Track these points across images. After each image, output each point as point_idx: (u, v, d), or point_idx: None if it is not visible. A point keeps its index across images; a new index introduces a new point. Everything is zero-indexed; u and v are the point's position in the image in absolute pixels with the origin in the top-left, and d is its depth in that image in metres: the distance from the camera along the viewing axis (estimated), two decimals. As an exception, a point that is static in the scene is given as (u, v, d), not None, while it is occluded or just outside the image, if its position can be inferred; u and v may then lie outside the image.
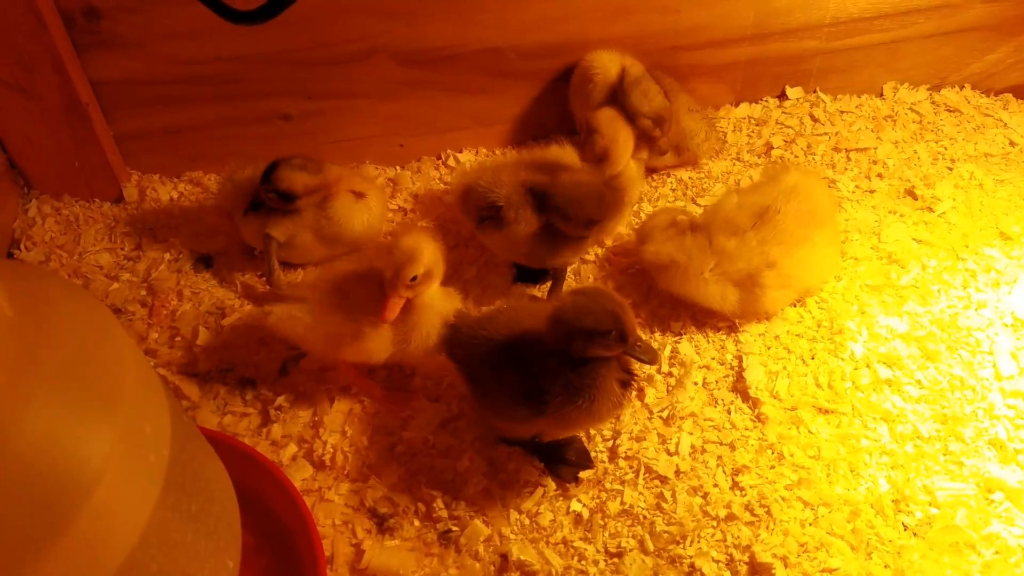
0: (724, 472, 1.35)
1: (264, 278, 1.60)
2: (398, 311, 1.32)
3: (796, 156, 1.86)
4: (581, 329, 1.18)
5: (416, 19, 1.67)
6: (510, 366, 1.26)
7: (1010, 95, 2.01)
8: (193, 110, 1.73)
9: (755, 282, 1.48)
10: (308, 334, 1.37)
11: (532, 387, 1.23)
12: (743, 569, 1.25)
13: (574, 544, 1.28)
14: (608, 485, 1.34)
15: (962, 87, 2.02)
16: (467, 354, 1.31)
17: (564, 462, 1.36)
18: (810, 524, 1.29)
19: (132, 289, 1.63)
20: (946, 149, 1.88)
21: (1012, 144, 1.90)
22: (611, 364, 1.23)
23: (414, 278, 1.29)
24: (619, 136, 1.60)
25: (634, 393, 1.45)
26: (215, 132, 1.77)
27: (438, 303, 1.36)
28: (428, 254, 1.30)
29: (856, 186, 1.80)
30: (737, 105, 1.97)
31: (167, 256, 1.68)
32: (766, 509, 1.30)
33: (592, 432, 1.40)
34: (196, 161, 1.82)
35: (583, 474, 1.35)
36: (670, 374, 1.48)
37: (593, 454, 1.38)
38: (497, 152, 1.88)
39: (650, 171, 1.83)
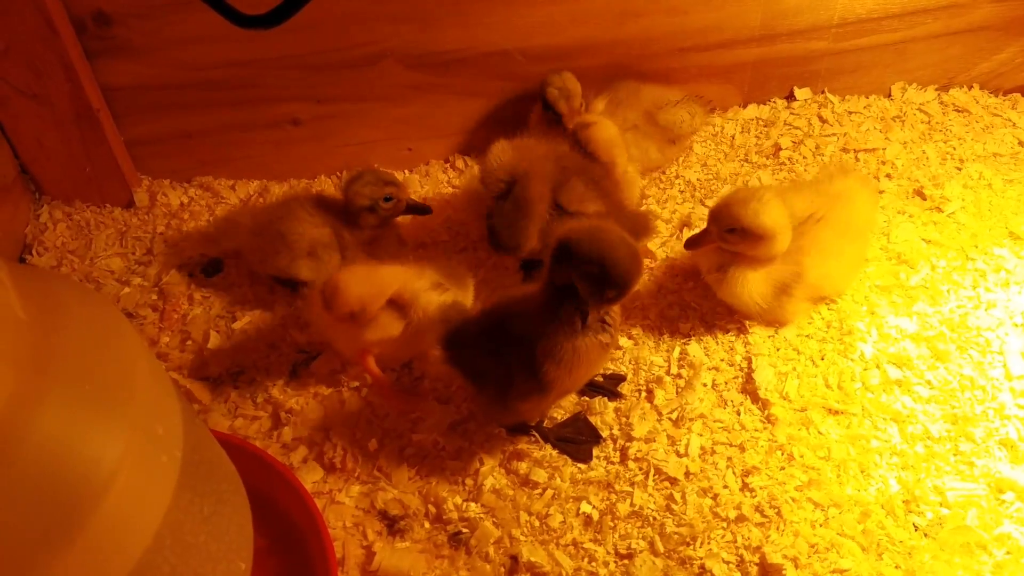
0: (734, 473, 1.35)
1: None
2: (371, 359, 1.43)
3: (804, 157, 1.86)
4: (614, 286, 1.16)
5: (424, 23, 1.67)
6: (505, 344, 1.26)
7: (1019, 95, 2.01)
8: (203, 115, 1.74)
9: (785, 291, 1.48)
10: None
11: (528, 355, 1.23)
12: (753, 570, 1.25)
13: (584, 546, 1.28)
14: (618, 487, 1.34)
15: (970, 87, 2.01)
16: (463, 350, 1.32)
17: (574, 442, 1.39)
18: (820, 525, 1.29)
19: (143, 293, 1.64)
20: (955, 149, 1.88)
21: (1021, 144, 1.89)
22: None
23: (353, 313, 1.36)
24: (613, 150, 1.61)
25: (643, 394, 1.46)
26: (225, 137, 1.78)
27: (421, 284, 1.42)
28: (353, 295, 1.36)
29: (865, 187, 1.80)
30: (745, 106, 1.97)
31: (178, 260, 1.69)
32: (776, 510, 1.30)
33: (603, 433, 1.41)
34: (206, 165, 1.83)
35: (595, 469, 1.36)
36: (679, 375, 1.48)
37: (603, 455, 1.39)
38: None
39: (654, 169, 1.84)
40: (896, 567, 1.24)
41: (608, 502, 1.33)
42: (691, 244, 1.50)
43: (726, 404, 1.44)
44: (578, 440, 1.40)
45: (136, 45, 1.62)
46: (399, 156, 1.87)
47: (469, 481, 1.36)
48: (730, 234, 1.44)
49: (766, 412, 1.42)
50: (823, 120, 1.93)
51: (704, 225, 1.55)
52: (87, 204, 1.79)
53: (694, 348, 1.51)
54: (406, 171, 1.88)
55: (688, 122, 1.81)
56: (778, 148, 1.88)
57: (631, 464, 1.37)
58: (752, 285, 1.48)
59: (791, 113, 1.95)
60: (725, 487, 1.33)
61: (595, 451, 1.39)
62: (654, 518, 1.31)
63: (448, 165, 1.89)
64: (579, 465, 1.37)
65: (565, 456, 1.38)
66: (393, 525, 1.32)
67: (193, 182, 1.84)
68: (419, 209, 1.62)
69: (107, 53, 1.63)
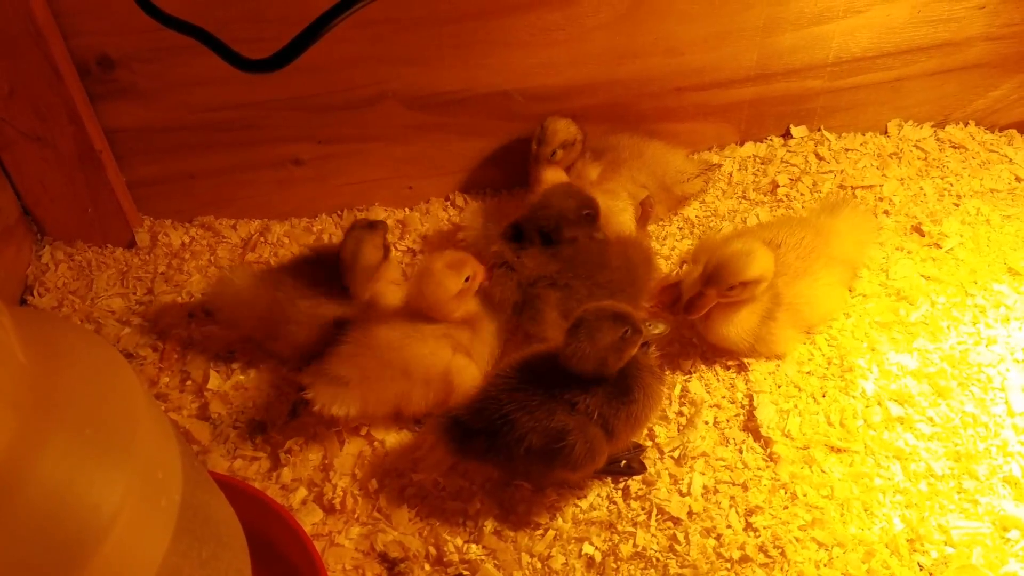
0: (737, 513, 1.34)
1: None
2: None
3: (802, 194, 1.87)
4: (607, 347, 1.25)
5: (424, 65, 1.69)
6: (549, 410, 1.28)
7: (1014, 131, 2.02)
8: (205, 156, 1.76)
9: (770, 316, 1.49)
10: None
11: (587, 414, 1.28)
12: (758, 611, 1.24)
13: (586, 587, 1.27)
14: (620, 527, 1.33)
15: (966, 123, 2.03)
16: (495, 435, 1.29)
17: (617, 461, 1.40)
18: (825, 565, 1.28)
19: (143, 334, 1.64)
20: (952, 185, 1.89)
21: (1018, 179, 1.91)
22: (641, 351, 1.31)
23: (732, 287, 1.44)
24: None
25: (645, 432, 1.45)
26: (227, 177, 1.80)
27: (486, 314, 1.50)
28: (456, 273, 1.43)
29: (863, 223, 1.81)
30: (742, 144, 1.98)
31: (178, 300, 1.69)
32: (780, 550, 1.29)
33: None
34: (208, 206, 1.84)
35: (597, 509, 1.35)
36: (681, 413, 1.48)
37: (605, 493, 1.38)
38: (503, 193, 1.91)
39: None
40: (902, 608, 1.23)
41: (611, 543, 1.32)
42: (693, 310, 1.49)
43: (728, 442, 1.44)
44: (619, 458, 1.40)
45: (139, 88, 1.64)
46: (400, 194, 1.88)
47: (470, 522, 1.35)
48: (731, 290, 1.45)
49: (768, 450, 1.42)
50: (820, 157, 1.95)
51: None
52: (89, 245, 1.80)
53: (695, 385, 1.51)
54: (407, 209, 1.89)
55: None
56: (775, 185, 1.89)
57: (633, 504, 1.36)
58: (739, 323, 1.50)
59: (788, 151, 1.97)
60: (728, 527, 1.32)
61: (595, 490, 1.38)
62: (657, 559, 1.29)
63: (448, 203, 1.90)
64: (580, 504, 1.36)
65: (567, 496, 1.37)
66: (393, 568, 1.31)
67: (195, 222, 1.85)
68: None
69: (110, 96, 1.65)
